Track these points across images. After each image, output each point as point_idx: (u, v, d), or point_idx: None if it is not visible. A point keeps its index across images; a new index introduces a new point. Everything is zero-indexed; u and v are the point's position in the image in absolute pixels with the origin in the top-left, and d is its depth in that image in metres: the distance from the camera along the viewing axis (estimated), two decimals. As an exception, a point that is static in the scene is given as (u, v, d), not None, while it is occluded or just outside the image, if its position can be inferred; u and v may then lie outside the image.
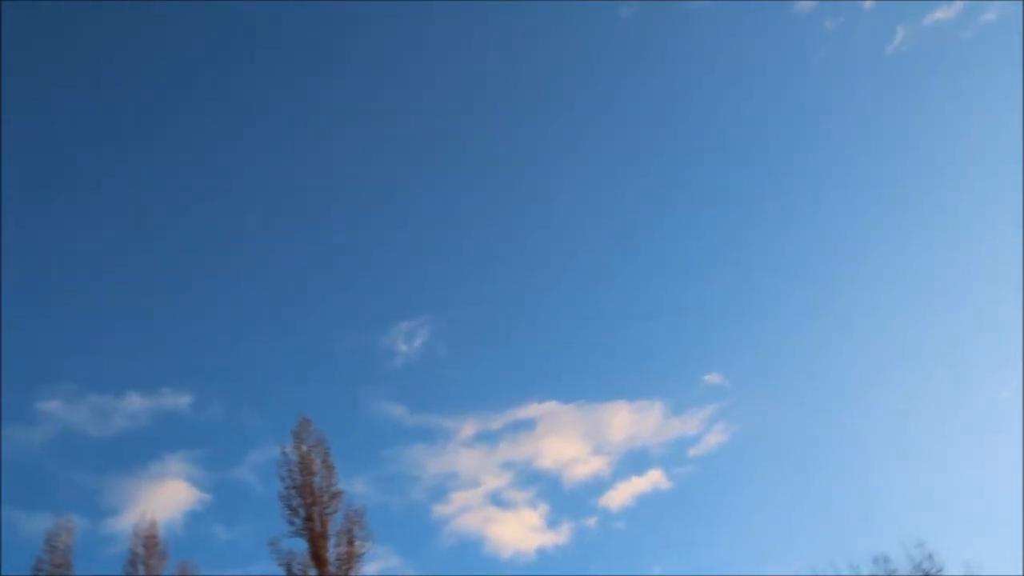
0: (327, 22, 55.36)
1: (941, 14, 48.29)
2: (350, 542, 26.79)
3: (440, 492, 47.17)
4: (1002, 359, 46.10)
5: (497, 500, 46.90)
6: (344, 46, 56.46)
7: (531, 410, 48.45)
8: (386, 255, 55.57)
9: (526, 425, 48.58)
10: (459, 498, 46.77)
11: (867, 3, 49.17)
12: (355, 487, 31.03)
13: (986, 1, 48.56)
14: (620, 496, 46.24)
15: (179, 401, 47.46)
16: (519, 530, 46.34)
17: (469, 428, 48.10)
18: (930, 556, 26.36)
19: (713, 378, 47.67)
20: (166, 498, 42.21)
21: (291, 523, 26.86)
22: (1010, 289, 47.41)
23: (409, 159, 56.86)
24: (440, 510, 46.66)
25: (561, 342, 52.83)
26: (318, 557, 26.45)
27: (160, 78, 54.68)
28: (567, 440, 47.95)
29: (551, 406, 48.71)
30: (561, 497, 47.26)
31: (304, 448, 27.80)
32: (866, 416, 47.18)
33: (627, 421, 48.39)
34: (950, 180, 50.54)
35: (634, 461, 47.16)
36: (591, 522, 46.00)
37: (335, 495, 27.27)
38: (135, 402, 46.58)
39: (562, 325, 53.36)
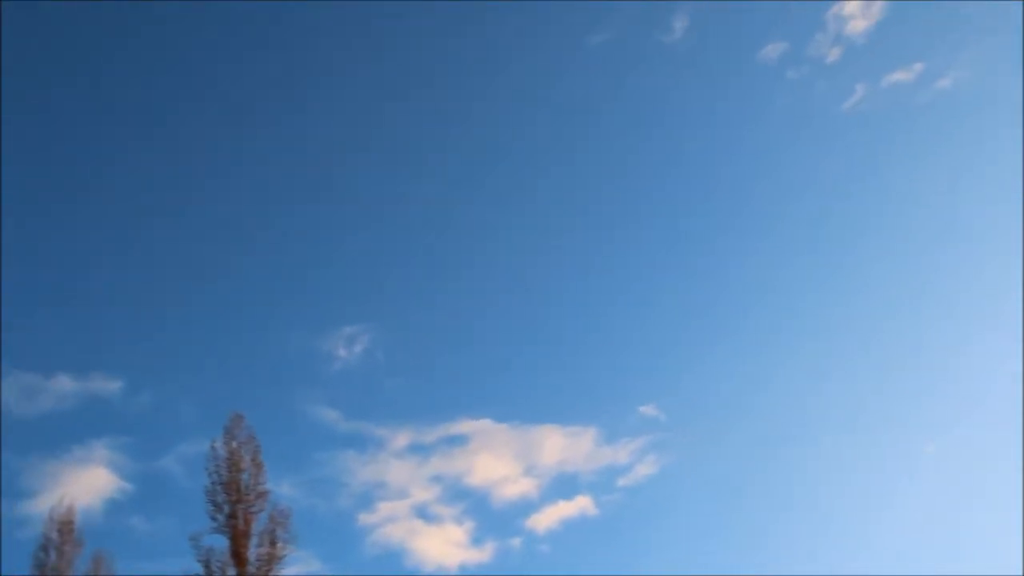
0: (280, 22, 55.15)
1: (900, 76, 49.72)
2: (272, 543, 26.45)
3: (367, 500, 46.90)
4: (930, 418, 47.42)
5: (424, 513, 46.74)
6: (300, 46, 56.27)
7: (465, 426, 48.45)
8: (335, 259, 55.30)
9: (459, 440, 48.55)
10: (386, 508, 46.55)
11: (830, 57, 50.41)
12: (282, 488, 30.62)
13: (944, 67, 50.09)
14: (547, 519, 46.39)
15: (109, 386, 46.61)
16: (443, 545, 46.22)
17: (402, 439, 47.91)
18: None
19: (648, 409, 48.12)
20: (86, 484, 41.38)
21: (214, 519, 26.47)
22: (948, 340, 48.91)
23: (369, 164, 56.75)
24: (366, 518, 46.39)
25: (501, 361, 52.98)
26: (238, 556, 26.08)
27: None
28: (498, 459, 48.01)
29: (485, 423, 48.76)
30: (488, 515, 47.25)
31: (234, 444, 27.41)
32: (798, 457, 47.98)
33: (560, 445, 48.60)
34: (891, 234, 51.89)
35: (563, 485, 47.36)
36: (516, 543, 46.05)
37: (261, 494, 26.93)
38: (64, 383, 45.64)
39: (504, 344, 53.51)
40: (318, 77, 57.07)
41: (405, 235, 55.65)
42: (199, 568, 25.93)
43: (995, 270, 48.90)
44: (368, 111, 57.00)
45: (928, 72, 49.61)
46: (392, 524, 46.08)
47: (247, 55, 56.19)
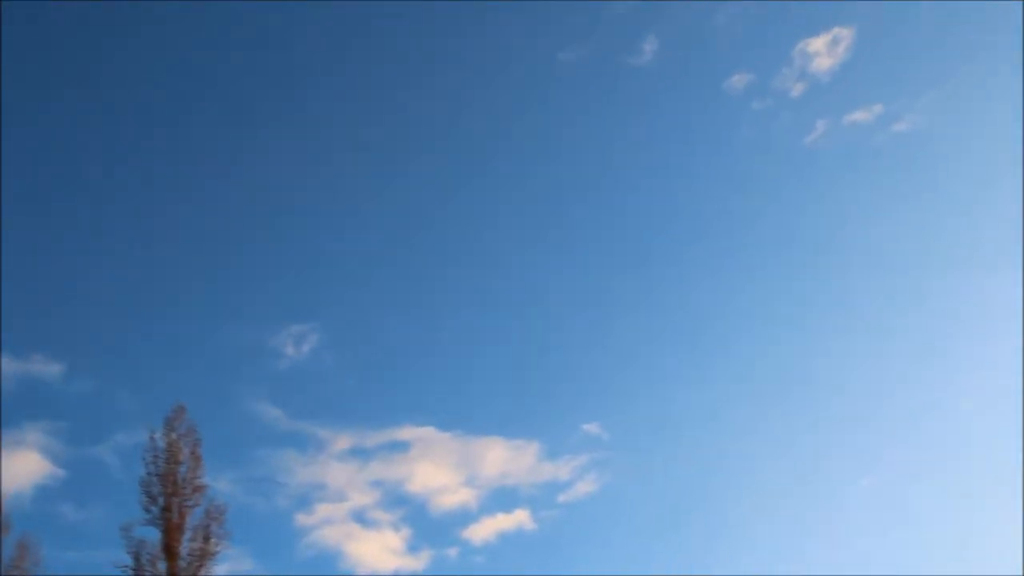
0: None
1: (860, 115, 50.74)
2: (206, 538, 26.06)
3: (305, 501, 46.43)
4: (866, 451, 48.22)
5: (361, 517, 46.38)
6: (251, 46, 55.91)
7: (408, 432, 48.23)
8: (288, 256, 54.78)
9: (401, 446, 48.30)
10: (323, 510, 46.12)
11: (795, 92, 51.31)
12: (220, 484, 30.17)
13: (903, 111, 51.24)
14: (484, 530, 46.30)
15: (49, 369, 45.63)
16: (379, 550, 45.90)
17: (344, 441, 47.56)
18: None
19: (592, 428, 48.28)
20: (17, 468, 40.40)
21: (147, 511, 26.02)
22: (888, 374, 49.91)
23: (332, 165, 56.45)
24: (302, 519, 45.91)
25: (449, 370, 52.81)
26: (170, 549, 25.66)
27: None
28: (439, 467, 47.84)
29: (429, 431, 48.58)
30: (426, 523, 47.03)
31: (174, 436, 27.00)
32: (735, 485, 48.49)
33: (501, 457, 48.56)
34: (840, 267, 52.81)
35: (503, 498, 47.31)
36: (452, 552, 45.88)
37: (198, 488, 26.54)
38: (2, 364, 44.51)
39: (452, 353, 53.38)
40: (287, 73, 56.67)
41: (364, 238, 55.39)
42: (129, 560, 25.51)
43: (937, 307, 50.09)
44: (338, 111, 56.77)
45: (887, 114, 50.68)
46: (329, 527, 45.70)
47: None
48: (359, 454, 47.62)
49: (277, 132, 56.45)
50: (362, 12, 55.30)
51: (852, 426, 48.85)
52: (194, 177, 55.72)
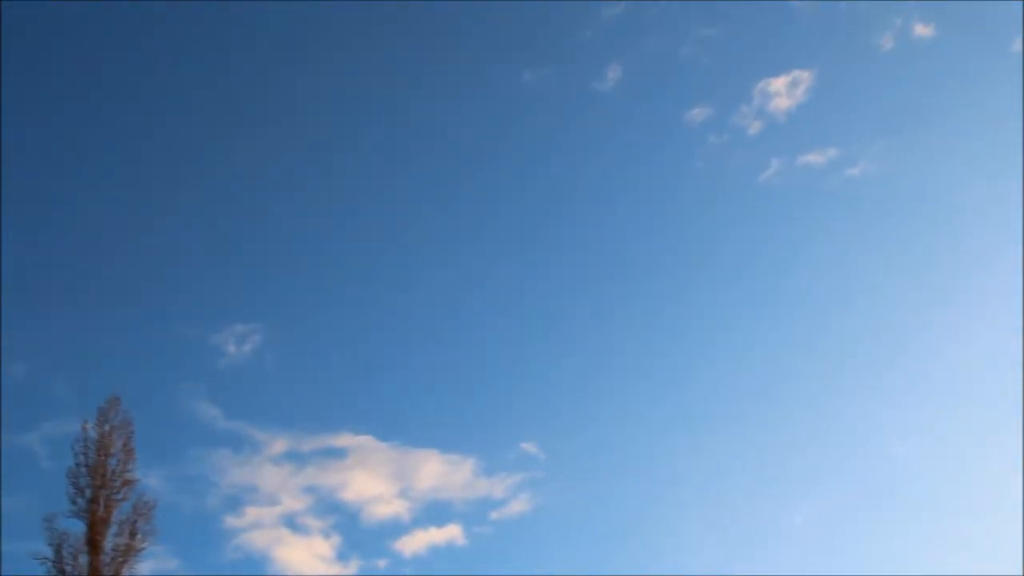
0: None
1: (814, 158, 51.75)
2: (132, 534, 25.50)
3: (235, 503, 45.67)
4: (801, 484, 48.87)
5: (292, 523, 45.76)
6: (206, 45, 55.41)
7: (345, 440, 47.76)
8: (236, 254, 54.06)
9: (337, 453, 47.80)
10: (253, 513, 45.41)
11: (752, 129, 52.20)
12: (151, 480, 29.56)
13: (856, 156, 52.36)
14: (415, 543, 45.99)
15: (-21, 353, 44.31)
16: (307, 557, 45.31)
17: (280, 444, 46.96)
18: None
19: (529, 447, 48.26)
20: (-61, 453, 39.13)
21: (74, 503, 25.38)
22: (826, 408, 50.69)
23: (280, 165, 55.94)
24: (232, 521, 45.14)
25: (390, 380, 52.43)
26: (94, 543, 25.05)
27: None
28: (374, 477, 47.45)
29: (366, 440, 48.15)
30: (357, 533, 46.57)
31: (107, 428, 26.44)
32: (670, 517, 48.83)
33: (437, 471, 48.32)
34: (783, 304, 53.71)
35: (436, 512, 47.04)
36: (381, 564, 45.46)
37: (128, 482, 25.98)
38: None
39: (396, 364, 53.05)
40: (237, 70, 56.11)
41: (316, 243, 54.88)
42: (49, 552, 24.86)
43: (874, 345, 51.11)
44: (282, 105, 56.35)
45: (840, 159, 51.75)
46: (258, 530, 45.00)
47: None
48: (294, 458, 47.08)
49: (239, 132, 55.90)
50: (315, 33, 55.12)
51: (786, 459, 49.54)
52: (141, 170, 54.85)
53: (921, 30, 51.27)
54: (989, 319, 48.43)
